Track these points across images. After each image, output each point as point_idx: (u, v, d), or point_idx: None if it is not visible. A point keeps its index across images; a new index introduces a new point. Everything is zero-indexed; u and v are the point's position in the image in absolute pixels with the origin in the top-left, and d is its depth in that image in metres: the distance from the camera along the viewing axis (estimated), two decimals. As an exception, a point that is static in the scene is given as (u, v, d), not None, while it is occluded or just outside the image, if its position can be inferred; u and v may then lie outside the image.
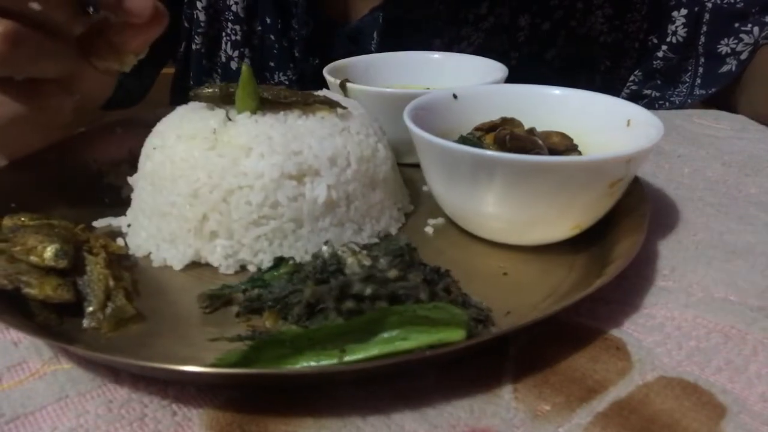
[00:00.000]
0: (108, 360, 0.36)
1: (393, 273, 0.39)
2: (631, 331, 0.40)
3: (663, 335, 0.40)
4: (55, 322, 0.41)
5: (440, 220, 0.55)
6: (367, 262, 0.41)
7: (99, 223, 0.54)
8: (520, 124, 0.55)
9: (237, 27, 0.90)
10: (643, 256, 0.47)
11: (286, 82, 0.91)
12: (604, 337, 0.40)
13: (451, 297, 0.40)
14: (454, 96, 0.57)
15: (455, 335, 0.35)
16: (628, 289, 0.44)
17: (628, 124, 0.52)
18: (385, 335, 0.35)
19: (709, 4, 0.87)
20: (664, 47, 0.91)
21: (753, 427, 0.33)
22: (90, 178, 0.60)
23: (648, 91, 0.94)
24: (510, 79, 0.66)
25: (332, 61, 0.72)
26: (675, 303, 0.43)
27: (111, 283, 0.43)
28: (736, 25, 0.86)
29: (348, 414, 0.34)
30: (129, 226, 0.53)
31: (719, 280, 0.45)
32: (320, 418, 0.34)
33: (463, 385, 0.36)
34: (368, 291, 0.38)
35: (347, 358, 0.34)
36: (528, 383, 0.36)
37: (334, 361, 0.34)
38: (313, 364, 0.34)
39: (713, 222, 0.54)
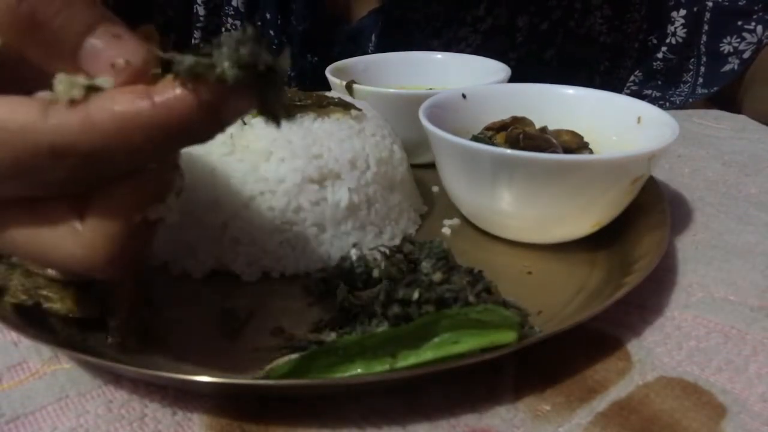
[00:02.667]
0: (150, 375, 0.35)
1: (437, 276, 0.38)
2: (631, 331, 0.40)
3: (663, 335, 0.40)
4: (78, 338, 0.39)
5: (456, 221, 0.54)
6: (403, 266, 0.39)
7: None
8: (531, 123, 0.55)
9: (237, 22, 0.90)
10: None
11: (285, 79, 0.91)
12: (604, 337, 0.40)
13: (493, 298, 0.39)
14: (463, 96, 0.57)
15: (507, 337, 0.34)
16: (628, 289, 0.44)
17: (639, 122, 0.52)
18: (437, 340, 0.34)
19: (710, 3, 0.86)
20: (663, 48, 0.91)
21: (753, 427, 0.33)
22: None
23: (648, 92, 0.94)
24: (509, 79, 0.65)
25: (331, 60, 0.72)
26: (675, 303, 0.43)
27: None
28: (739, 23, 0.85)
29: (348, 414, 0.34)
30: None
31: (719, 279, 0.45)
32: (320, 418, 0.34)
33: (464, 384, 0.36)
34: (415, 295, 0.37)
35: (399, 364, 0.34)
36: (528, 383, 0.36)
37: (386, 367, 0.34)
38: (361, 371, 0.34)
39: (713, 222, 0.54)
